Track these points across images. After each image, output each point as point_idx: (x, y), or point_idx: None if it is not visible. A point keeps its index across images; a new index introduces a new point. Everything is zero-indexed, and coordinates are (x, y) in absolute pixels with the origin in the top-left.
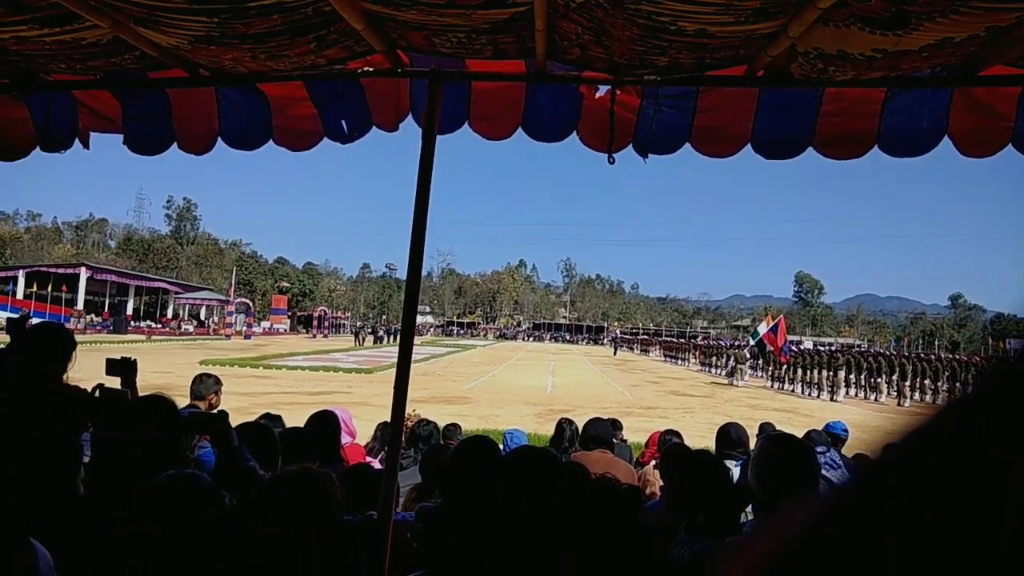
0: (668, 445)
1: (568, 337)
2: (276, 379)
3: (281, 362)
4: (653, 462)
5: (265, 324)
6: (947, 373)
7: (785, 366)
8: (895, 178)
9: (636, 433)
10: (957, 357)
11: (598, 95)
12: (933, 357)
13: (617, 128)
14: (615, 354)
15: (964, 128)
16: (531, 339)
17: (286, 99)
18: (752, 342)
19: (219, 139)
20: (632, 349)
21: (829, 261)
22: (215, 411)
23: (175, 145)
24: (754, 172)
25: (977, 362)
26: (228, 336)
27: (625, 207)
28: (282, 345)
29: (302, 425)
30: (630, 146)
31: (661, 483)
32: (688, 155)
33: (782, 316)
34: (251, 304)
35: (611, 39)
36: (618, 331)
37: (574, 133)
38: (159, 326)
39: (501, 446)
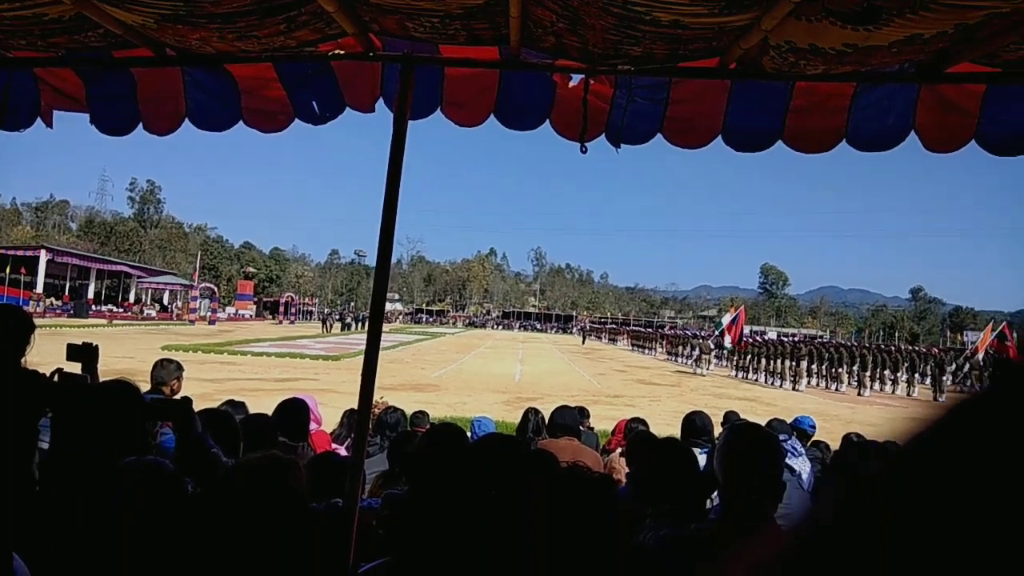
0: (634, 433)
1: (537, 326)
2: (241, 365)
3: (246, 348)
4: (619, 450)
5: (230, 310)
6: (906, 364)
7: (749, 356)
8: (859, 172)
9: (603, 421)
10: (916, 348)
11: (571, 84)
12: (893, 348)
13: (590, 118)
14: (583, 343)
15: (930, 124)
16: (500, 327)
17: (255, 80)
18: (716, 332)
19: (186, 120)
20: (600, 338)
21: (794, 253)
22: (179, 397)
23: (141, 126)
24: (722, 163)
25: (935, 353)
26: (192, 321)
27: (597, 197)
28: (247, 331)
29: (265, 411)
30: (603, 136)
31: (627, 470)
32: (659, 146)
33: (743, 307)
34: (216, 289)
35: (585, 28)
36: (587, 320)
37: (547, 122)
38: (121, 310)
39: (469, 434)
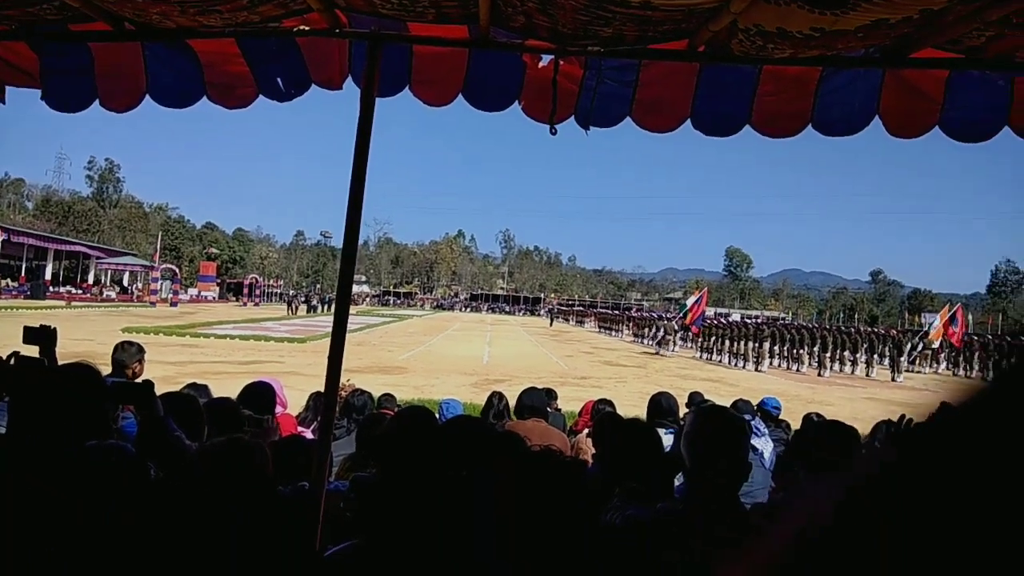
0: (601, 414)
1: (506, 308)
2: (204, 348)
3: (209, 330)
4: (586, 430)
5: (192, 291)
6: (865, 345)
7: (713, 337)
8: (822, 157)
9: (570, 402)
10: (875, 330)
11: (541, 64)
12: (853, 330)
13: (559, 99)
14: (551, 325)
15: (894, 109)
16: (468, 310)
17: (218, 55)
18: (680, 314)
19: (146, 97)
20: (568, 320)
21: (758, 236)
22: (140, 380)
23: (97, 102)
24: (687, 146)
25: (893, 334)
26: (153, 303)
27: (565, 179)
28: (210, 313)
29: (230, 395)
30: (572, 118)
31: (593, 451)
32: (628, 129)
33: (705, 290)
34: (178, 270)
35: (556, 7)
36: (555, 302)
37: (516, 103)
38: (80, 292)
39: (437, 416)
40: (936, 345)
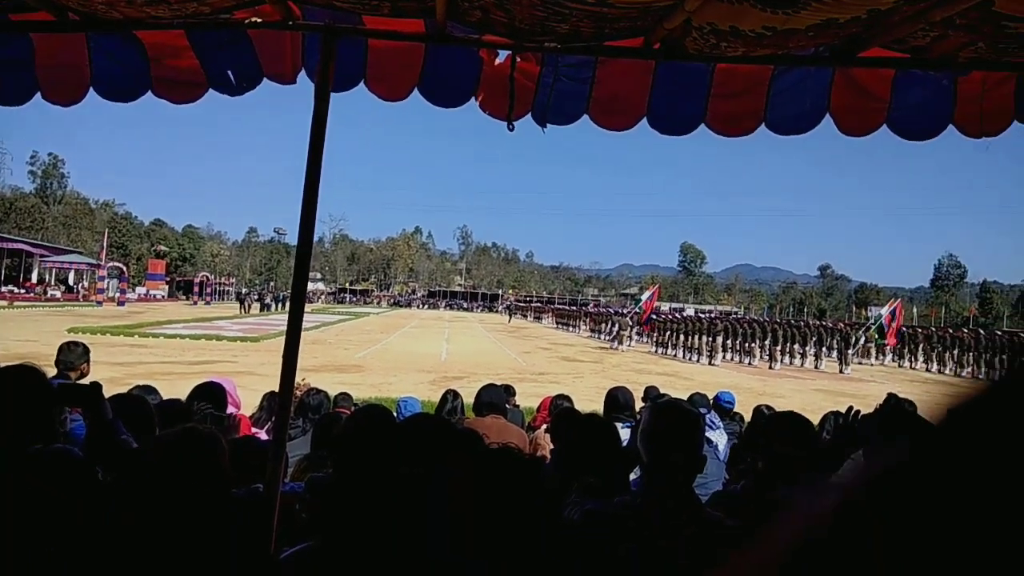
0: (559, 409)
1: (464, 305)
2: (152, 348)
3: (158, 330)
4: (544, 426)
5: (141, 290)
6: (814, 338)
7: (668, 332)
8: (771, 154)
9: (528, 398)
10: (823, 323)
11: (498, 61)
12: (802, 323)
13: (517, 96)
14: (509, 321)
15: (843, 108)
16: (426, 307)
17: (165, 48)
18: (635, 309)
19: (91, 90)
20: (526, 316)
21: (711, 232)
22: (87, 382)
23: (39, 95)
24: (643, 143)
25: (841, 328)
26: (100, 302)
27: (523, 176)
28: (159, 312)
29: (180, 397)
30: (529, 115)
31: (552, 446)
32: (585, 126)
33: (656, 287)
34: (125, 268)
35: (512, 3)
36: (512, 299)
37: (473, 99)
38: (23, 291)
39: (394, 414)
40: (890, 344)
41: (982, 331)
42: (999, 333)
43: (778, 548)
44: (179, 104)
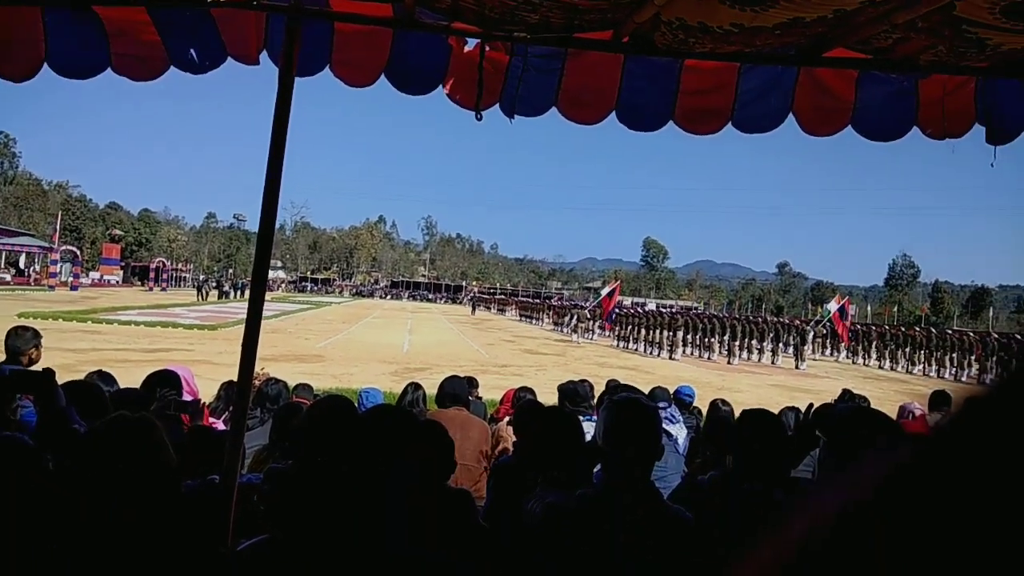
0: (522, 402)
1: (427, 295)
2: (106, 334)
3: (112, 316)
4: (507, 418)
5: (94, 275)
6: (771, 334)
7: (630, 326)
8: (732, 151)
9: (491, 391)
10: (781, 320)
11: (467, 49)
12: (760, 319)
13: (485, 85)
14: (473, 313)
15: (807, 107)
16: (389, 297)
17: (125, 23)
18: (595, 303)
19: (45, 66)
20: (490, 308)
21: (673, 228)
22: (40, 368)
23: None
24: (609, 137)
25: (798, 324)
26: (52, 287)
27: (489, 167)
28: (114, 298)
29: (134, 385)
30: (497, 105)
31: (514, 439)
32: (552, 118)
33: (618, 284)
34: (79, 252)
35: None
36: (476, 290)
37: (440, 87)
38: None
39: (356, 405)
40: (844, 342)
41: (933, 329)
42: (949, 331)
43: (781, 549)
44: (139, 81)
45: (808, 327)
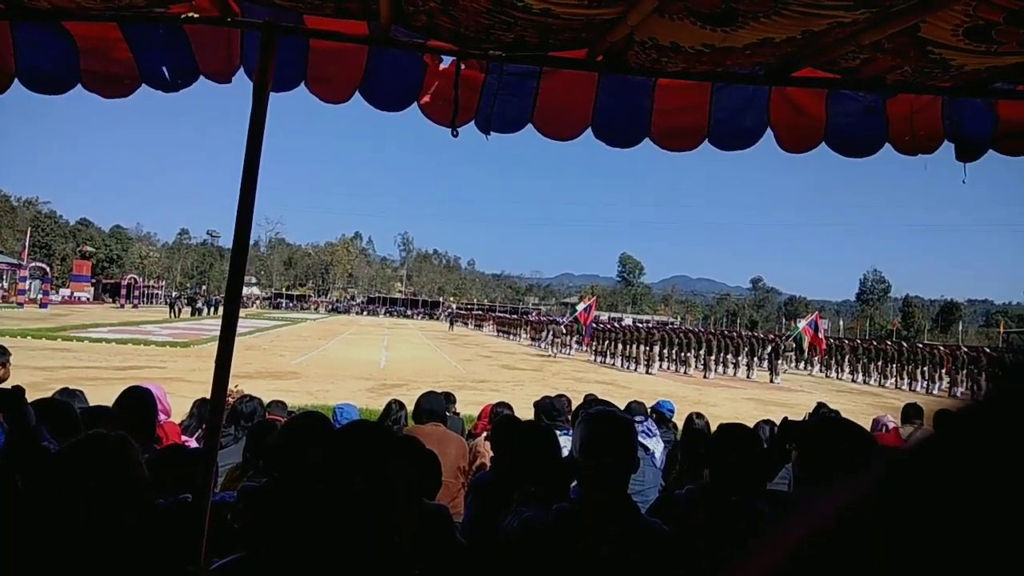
0: (499, 417)
1: (404, 312)
2: (77, 352)
3: (83, 333)
4: (485, 434)
5: (65, 292)
6: (746, 348)
7: (607, 341)
8: (708, 169)
9: (469, 406)
10: (755, 334)
11: (442, 67)
12: (735, 334)
13: (460, 102)
14: (451, 328)
15: (783, 125)
16: (365, 313)
17: (97, 40)
18: (570, 318)
19: (15, 81)
20: (467, 324)
21: (649, 244)
22: (9, 386)
23: None
24: (584, 153)
25: (772, 339)
26: (20, 304)
27: (465, 183)
28: (84, 315)
29: (106, 403)
30: (472, 122)
31: (492, 454)
32: (529, 135)
33: (594, 299)
34: (48, 269)
35: (458, 9)
36: (454, 306)
37: (415, 103)
38: None
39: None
40: (816, 354)
41: (904, 343)
42: (920, 345)
43: (778, 554)
44: (110, 98)
45: (781, 343)
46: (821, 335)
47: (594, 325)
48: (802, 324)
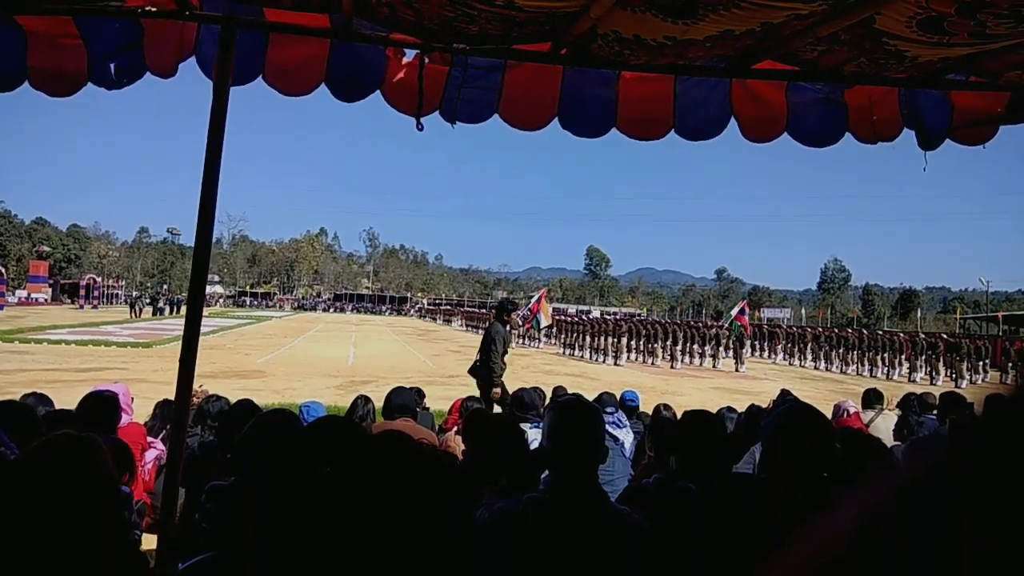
0: (469, 411)
1: (372, 308)
2: (34, 354)
3: (41, 335)
4: (456, 428)
5: (21, 293)
6: (712, 339)
7: (575, 333)
8: (670, 160)
9: (439, 401)
10: (720, 324)
11: (405, 60)
12: (701, 324)
13: (425, 95)
14: (423, 319)
15: (746, 115)
16: (332, 310)
17: (49, 36)
18: (524, 310)
19: None
20: (435, 319)
21: (615, 236)
22: None
23: None
24: (550, 146)
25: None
26: None
27: (431, 178)
28: (42, 317)
29: (68, 406)
30: (438, 112)
31: (463, 448)
32: (495, 126)
33: (544, 291)
34: (3, 270)
35: (421, 2)
36: (425, 302)
37: (379, 92)
38: None
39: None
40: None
41: (865, 331)
42: (880, 332)
43: (799, 561)
44: (55, 97)
45: (721, 328)
46: (745, 318)
47: (560, 318)
48: (734, 311)
